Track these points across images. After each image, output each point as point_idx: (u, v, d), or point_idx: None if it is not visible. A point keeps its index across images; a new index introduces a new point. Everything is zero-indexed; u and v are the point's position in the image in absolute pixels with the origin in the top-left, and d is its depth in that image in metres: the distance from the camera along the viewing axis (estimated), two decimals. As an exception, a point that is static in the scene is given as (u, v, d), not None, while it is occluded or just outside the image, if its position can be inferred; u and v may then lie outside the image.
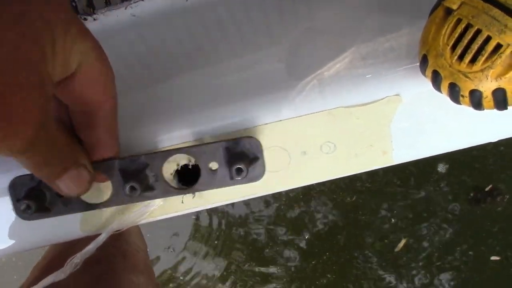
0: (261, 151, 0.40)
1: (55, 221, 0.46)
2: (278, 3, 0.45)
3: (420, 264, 1.61)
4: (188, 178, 0.43)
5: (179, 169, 0.43)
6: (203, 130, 0.42)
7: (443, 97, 0.36)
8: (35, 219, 0.42)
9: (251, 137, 0.40)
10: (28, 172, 0.39)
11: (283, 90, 0.41)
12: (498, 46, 0.32)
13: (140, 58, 0.46)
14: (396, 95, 0.41)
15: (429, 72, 0.36)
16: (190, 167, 0.43)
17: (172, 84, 0.44)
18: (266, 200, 1.69)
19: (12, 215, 0.46)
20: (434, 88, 0.36)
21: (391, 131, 0.42)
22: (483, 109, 0.34)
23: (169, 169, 0.43)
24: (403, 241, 1.61)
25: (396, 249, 1.62)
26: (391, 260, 1.62)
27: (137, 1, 0.47)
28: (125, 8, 0.47)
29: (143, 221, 0.45)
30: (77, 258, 0.45)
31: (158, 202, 0.43)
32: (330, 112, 0.41)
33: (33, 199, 0.40)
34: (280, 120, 0.42)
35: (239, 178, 0.39)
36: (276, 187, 0.44)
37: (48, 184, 0.37)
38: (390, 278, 1.63)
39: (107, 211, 0.45)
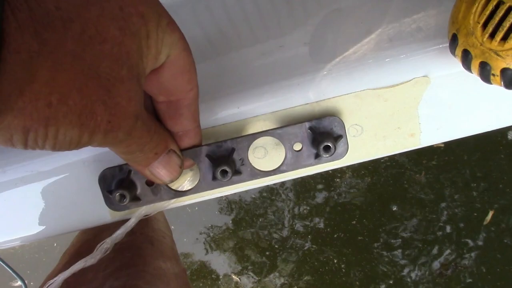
0: (344, 129, 0.40)
1: (85, 207, 0.47)
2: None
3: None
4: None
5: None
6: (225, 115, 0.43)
7: (473, 78, 0.36)
8: (126, 209, 0.43)
9: (334, 115, 0.40)
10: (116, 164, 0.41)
11: (309, 74, 0.41)
12: (531, 23, 0.31)
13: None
14: (424, 76, 0.40)
15: (459, 51, 0.35)
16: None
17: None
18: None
19: (44, 202, 0.47)
20: (464, 67, 0.35)
21: (419, 113, 0.41)
22: (515, 88, 0.34)
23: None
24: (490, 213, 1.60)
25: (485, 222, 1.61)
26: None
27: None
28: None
29: (172, 206, 0.46)
30: (107, 243, 0.45)
31: (186, 186, 0.44)
32: (357, 95, 0.41)
33: (125, 189, 0.41)
34: (307, 103, 0.41)
35: (327, 155, 0.39)
36: (296, 173, 0.44)
37: (140, 172, 0.38)
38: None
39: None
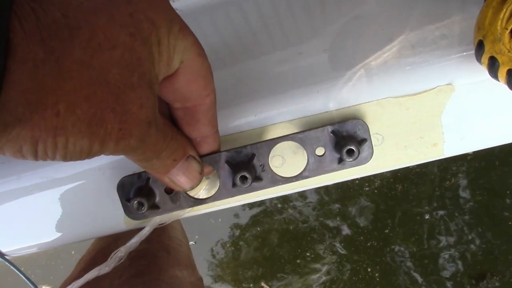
0: (368, 132, 0.39)
1: (99, 215, 0.46)
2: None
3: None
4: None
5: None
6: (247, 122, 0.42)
7: (499, 87, 0.34)
8: (144, 218, 0.42)
9: (357, 118, 0.39)
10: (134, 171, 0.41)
11: (329, 81, 0.40)
12: (562, 29, 0.30)
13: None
14: (448, 84, 0.39)
15: (485, 58, 0.34)
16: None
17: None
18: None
19: (59, 209, 0.46)
20: (491, 75, 0.34)
21: (442, 122, 0.40)
22: (544, 97, 0.32)
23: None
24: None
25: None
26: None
27: (179, -6, 0.47)
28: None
29: (187, 215, 0.45)
30: (121, 252, 0.45)
31: (202, 195, 0.43)
32: (378, 103, 0.40)
33: (144, 197, 0.40)
34: (327, 112, 0.40)
35: (350, 159, 0.38)
36: (315, 181, 0.43)
37: (159, 180, 0.37)
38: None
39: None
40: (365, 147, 0.39)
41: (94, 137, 0.28)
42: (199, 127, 0.37)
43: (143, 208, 0.40)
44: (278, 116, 0.42)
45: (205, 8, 0.47)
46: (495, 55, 0.33)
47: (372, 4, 0.43)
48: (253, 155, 0.39)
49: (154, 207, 0.41)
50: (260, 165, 0.40)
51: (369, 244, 1.67)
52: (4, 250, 0.49)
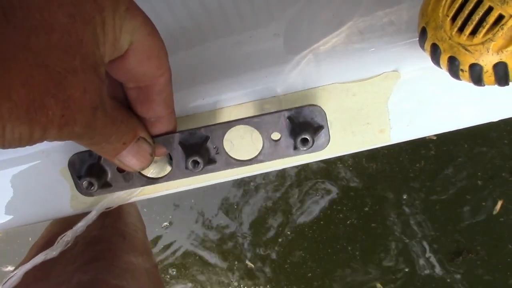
0: (325, 119, 0.38)
1: (46, 199, 0.45)
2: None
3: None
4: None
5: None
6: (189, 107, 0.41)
7: (443, 74, 0.35)
8: (96, 195, 0.42)
9: (314, 105, 0.38)
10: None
11: (278, 65, 0.40)
12: (500, 17, 0.30)
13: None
14: (394, 71, 0.39)
15: (428, 45, 0.34)
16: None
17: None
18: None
19: (9, 192, 0.45)
20: (433, 62, 0.34)
21: (388, 108, 0.40)
22: (484, 85, 0.33)
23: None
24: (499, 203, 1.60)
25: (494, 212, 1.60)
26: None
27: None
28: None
29: (134, 199, 0.45)
30: (68, 236, 0.44)
31: (153, 175, 0.42)
32: (325, 88, 0.40)
33: (94, 176, 0.39)
34: (274, 96, 0.40)
35: (304, 148, 0.38)
36: (264, 166, 0.43)
37: (109, 160, 0.37)
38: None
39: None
40: (322, 134, 0.38)
41: (34, 124, 0.26)
42: (153, 107, 0.37)
43: (93, 188, 0.39)
44: (233, 99, 0.41)
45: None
46: (437, 42, 0.33)
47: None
48: (207, 138, 0.39)
49: (106, 185, 0.41)
50: (214, 148, 0.39)
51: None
52: None
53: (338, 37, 0.39)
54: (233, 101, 0.41)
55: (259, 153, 0.40)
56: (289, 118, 0.38)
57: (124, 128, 0.35)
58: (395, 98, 0.40)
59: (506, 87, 0.33)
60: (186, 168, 0.39)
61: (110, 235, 0.66)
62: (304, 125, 0.38)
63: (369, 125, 0.41)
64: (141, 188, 0.43)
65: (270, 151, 0.39)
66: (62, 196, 0.45)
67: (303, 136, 0.37)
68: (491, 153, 1.58)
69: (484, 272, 1.58)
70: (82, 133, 0.30)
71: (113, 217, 0.67)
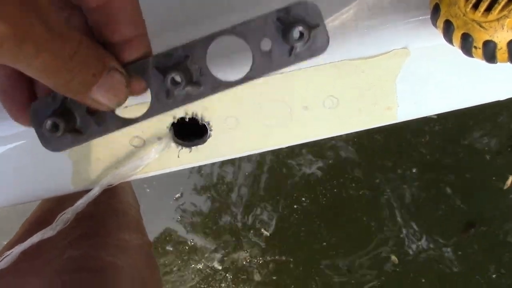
0: (321, 16, 0.32)
1: (46, 175, 0.44)
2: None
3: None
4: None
5: (174, 122, 0.41)
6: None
7: (454, 52, 0.35)
8: (67, 147, 0.35)
9: (305, 1, 0.32)
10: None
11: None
12: (516, -6, 0.30)
13: None
14: (404, 48, 0.39)
15: (440, 22, 0.34)
16: (187, 120, 0.41)
17: None
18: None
19: (9, 168, 0.44)
20: (446, 39, 0.34)
21: (396, 86, 0.40)
22: (496, 62, 0.33)
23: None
24: (510, 178, 1.62)
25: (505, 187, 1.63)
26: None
27: None
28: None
29: (136, 176, 0.44)
30: (68, 213, 0.44)
31: (153, 155, 0.42)
32: (334, 65, 0.39)
33: (59, 118, 0.32)
34: (281, 73, 0.40)
35: (301, 45, 0.32)
36: (272, 143, 0.42)
37: (81, 102, 0.32)
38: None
39: (99, 165, 0.44)
40: (318, 33, 0.32)
41: None
42: (119, 28, 0.32)
43: (58, 131, 0.32)
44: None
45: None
46: (451, 19, 0.33)
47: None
48: (186, 57, 0.33)
49: (75, 132, 0.34)
50: (198, 69, 0.34)
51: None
52: None
53: (347, 13, 0.39)
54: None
55: (250, 69, 0.34)
56: (279, 19, 0.32)
57: (91, 57, 0.30)
58: (404, 75, 0.40)
59: (517, 65, 0.33)
60: (168, 94, 0.34)
61: (103, 212, 0.66)
62: (297, 23, 0.32)
63: (377, 103, 0.40)
64: (146, 163, 0.42)
65: (262, 63, 0.33)
66: (63, 173, 0.44)
67: (298, 29, 0.31)
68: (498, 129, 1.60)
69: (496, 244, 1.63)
70: (8, 34, 0.24)
71: (107, 194, 0.66)
